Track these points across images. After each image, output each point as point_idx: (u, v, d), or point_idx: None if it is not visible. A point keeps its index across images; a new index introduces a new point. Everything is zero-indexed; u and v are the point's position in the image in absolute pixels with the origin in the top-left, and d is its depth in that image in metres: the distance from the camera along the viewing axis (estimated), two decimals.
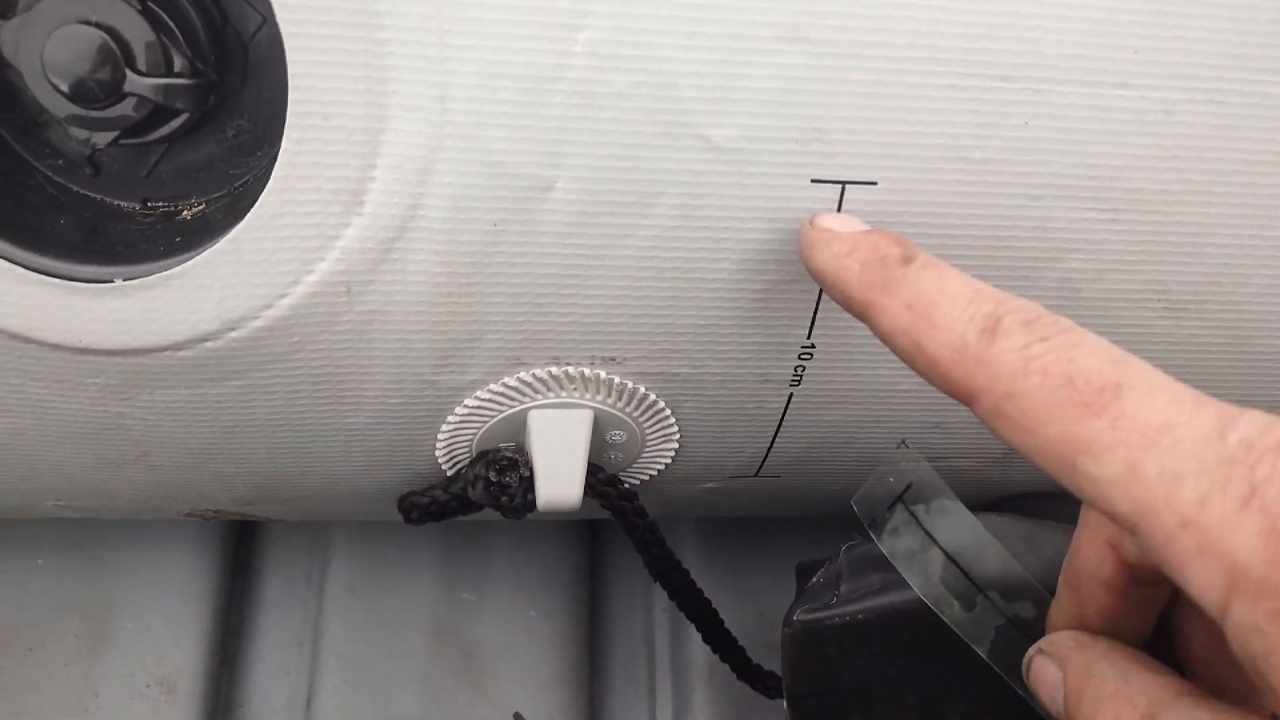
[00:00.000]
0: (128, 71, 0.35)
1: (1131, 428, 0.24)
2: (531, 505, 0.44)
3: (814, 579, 0.44)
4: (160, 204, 0.39)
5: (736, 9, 0.33)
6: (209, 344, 0.37)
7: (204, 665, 0.66)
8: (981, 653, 0.36)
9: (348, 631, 0.69)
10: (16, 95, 0.37)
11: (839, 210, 0.36)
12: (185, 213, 0.39)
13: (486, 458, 0.45)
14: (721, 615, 0.57)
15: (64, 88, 0.34)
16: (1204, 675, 0.31)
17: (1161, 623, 0.32)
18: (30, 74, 0.35)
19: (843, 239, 0.33)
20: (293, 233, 0.35)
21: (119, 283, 0.36)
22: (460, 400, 0.42)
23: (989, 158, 0.36)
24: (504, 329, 0.39)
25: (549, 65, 0.33)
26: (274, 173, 0.34)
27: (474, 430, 0.44)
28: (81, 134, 0.37)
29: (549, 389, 0.42)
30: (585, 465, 0.44)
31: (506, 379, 0.41)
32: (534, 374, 0.41)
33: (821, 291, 0.39)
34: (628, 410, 0.44)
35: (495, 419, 0.43)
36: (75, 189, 0.39)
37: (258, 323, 0.37)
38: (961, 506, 0.38)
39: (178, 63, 0.35)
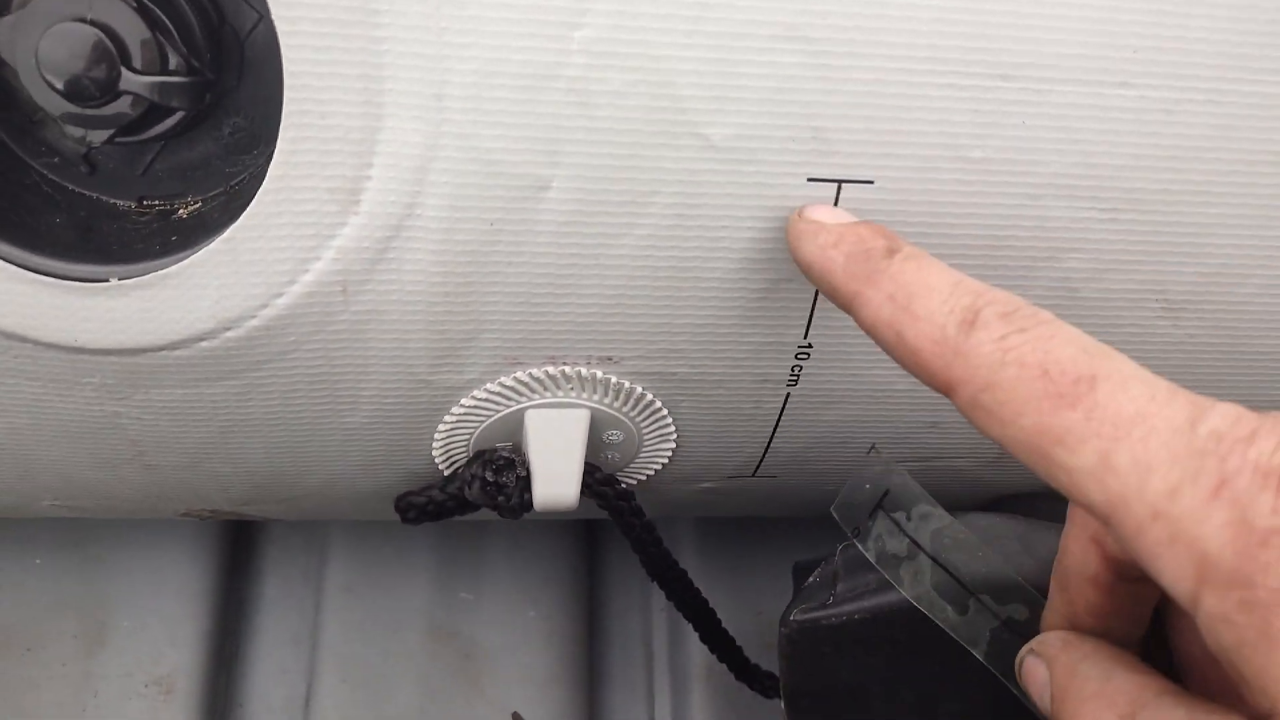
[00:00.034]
0: (123, 69, 0.34)
1: (1105, 419, 0.25)
2: (528, 505, 0.44)
3: (810, 578, 0.44)
4: (156, 202, 0.39)
5: (734, 7, 0.33)
6: (205, 343, 0.37)
7: (202, 665, 0.66)
8: (977, 655, 0.36)
9: (346, 631, 0.69)
10: (12, 93, 0.37)
11: None
12: (181, 211, 0.39)
13: (483, 457, 0.44)
14: (719, 614, 0.57)
15: (59, 85, 0.34)
16: (1198, 672, 0.31)
17: (1158, 620, 0.32)
18: (25, 72, 0.34)
19: (829, 230, 0.33)
20: (289, 232, 0.35)
21: (114, 282, 0.36)
22: (457, 400, 0.42)
23: (988, 157, 0.36)
24: (501, 328, 0.39)
25: (546, 64, 0.33)
26: (269, 172, 0.33)
27: (471, 430, 0.44)
28: (77, 132, 0.36)
29: (546, 388, 0.42)
30: (582, 465, 0.44)
31: (503, 378, 0.41)
32: (531, 373, 0.41)
33: (818, 290, 0.39)
34: (625, 410, 0.43)
35: (492, 418, 0.43)
36: (71, 187, 0.39)
37: (254, 322, 0.37)
38: (943, 511, 0.38)
39: (173, 60, 0.35)
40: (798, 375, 0.43)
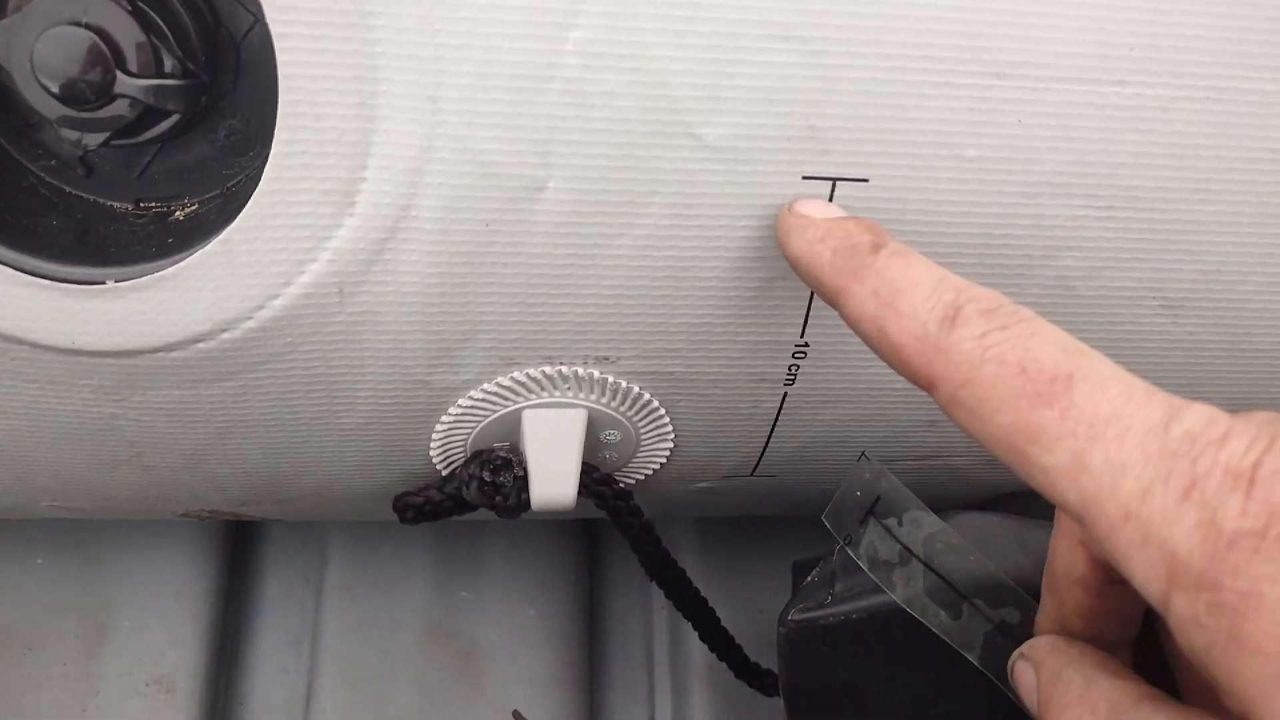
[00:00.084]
0: (118, 73, 0.34)
1: (1080, 418, 0.25)
2: (526, 505, 0.44)
3: (809, 578, 0.44)
4: (153, 205, 0.39)
5: (728, 7, 0.33)
6: (201, 345, 0.37)
7: (202, 664, 0.66)
8: (972, 659, 0.36)
9: (345, 631, 0.69)
10: (8, 96, 0.37)
11: None
12: (178, 213, 0.39)
13: (481, 457, 0.44)
14: (720, 613, 0.57)
15: (54, 89, 0.34)
16: (1187, 672, 0.31)
17: (1151, 621, 0.32)
18: (20, 75, 0.34)
19: (817, 225, 0.33)
20: (284, 234, 0.35)
21: (111, 284, 0.36)
22: (454, 400, 0.42)
23: (983, 155, 0.36)
24: (497, 329, 0.39)
25: (541, 65, 0.33)
26: (265, 174, 0.33)
27: (468, 430, 0.44)
28: (73, 135, 0.36)
29: (543, 389, 0.42)
30: (579, 465, 0.44)
31: (500, 379, 0.41)
32: (528, 374, 0.41)
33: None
34: (622, 410, 0.43)
35: (489, 419, 0.43)
36: (68, 190, 0.39)
37: (250, 324, 0.37)
38: (934, 517, 0.38)
39: (168, 63, 0.35)
40: (795, 374, 0.43)
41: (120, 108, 0.35)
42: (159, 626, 0.67)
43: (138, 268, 0.36)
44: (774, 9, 0.33)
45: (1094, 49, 0.35)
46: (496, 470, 0.44)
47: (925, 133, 0.35)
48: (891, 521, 0.38)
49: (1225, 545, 0.21)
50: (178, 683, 0.65)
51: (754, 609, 0.71)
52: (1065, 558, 0.31)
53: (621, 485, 0.47)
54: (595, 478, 0.46)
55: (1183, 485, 0.22)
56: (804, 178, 0.36)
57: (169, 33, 0.35)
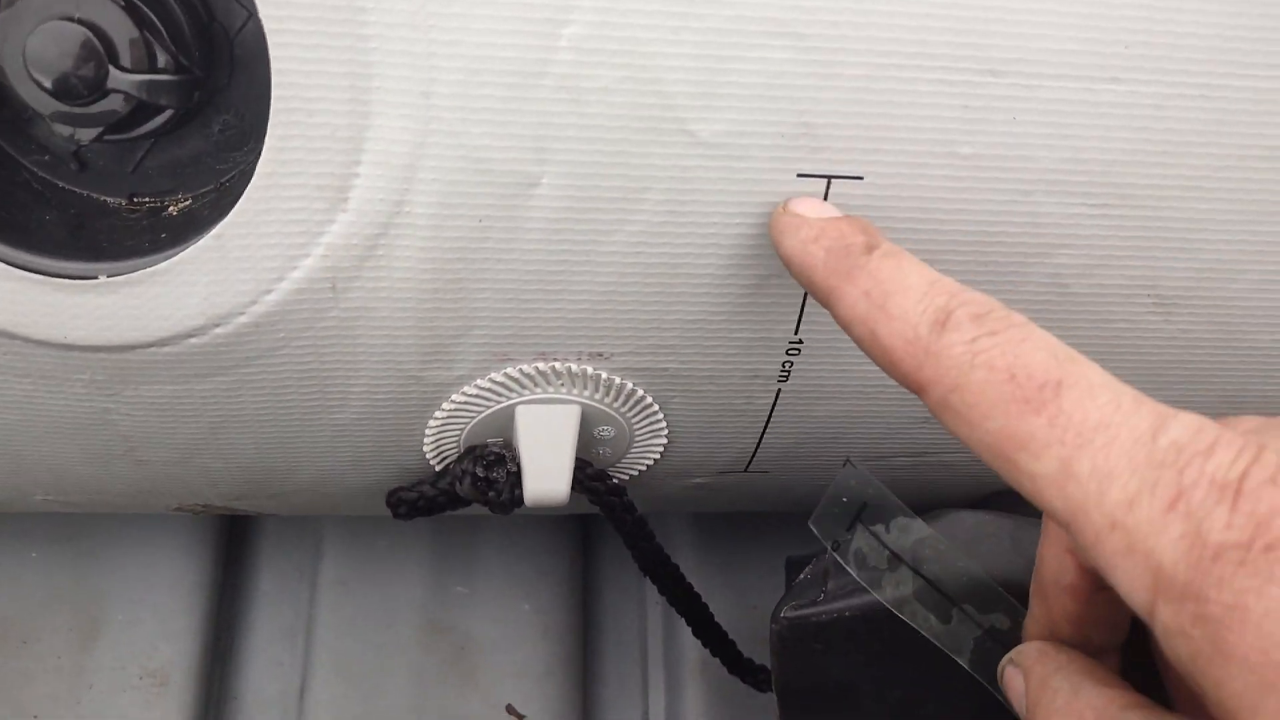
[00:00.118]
0: (111, 68, 0.34)
1: (1068, 426, 0.24)
2: (519, 500, 0.44)
3: (801, 575, 0.44)
4: (147, 200, 0.39)
5: (723, 3, 0.33)
6: (194, 340, 0.37)
7: (196, 658, 0.66)
8: (963, 663, 0.36)
9: (340, 624, 0.69)
10: (1, 91, 0.37)
11: None
12: (171, 208, 0.39)
13: (474, 453, 0.44)
14: (715, 608, 0.57)
15: (47, 84, 0.34)
16: (1178, 680, 0.31)
17: (1141, 626, 0.32)
18: (13, 70, 0.34)
19: (810, 225, 0.33)
20: (277, 229, 0.35)
21: (104, 279, 0.36)
22: (447, 396, 0.42)
23: (978, 153, 0.36)
24: (491, 324, 0.39)
25: (534, 60, 0.33)
26: (258, 169, 0.33)
27: (461, 425, 0.44)
28: (66, 130, 0.36)
29: (536, 384, 0.42)
30: (573, 460, 0.44)
31: (494, 374, 0.41)
32: (521, 369, 0.41)
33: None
34: (615, 406, 0.43)
35: (483, 414, 0.43)
36: (61, 185, 0.39)
37: (243, 319, 0.36)
38: (922, 523, 0.38)
39: (162, 59, 0.35)
40: (789, 371, 0.43)
41: (113, 103, 0.35)
42: (153, 620, 0.67)
43: (131, 262, 0.36)
44: (768, 5, 0.33)
45: (1088, 46, 0.35)
46: (490, 466, 0.44)
47: (920, 130, 0.35)
48: (879, 528, 0.38)
49: (1210, 557, 0.21)
50: (171, 676, 0.65)
51: (749, 605, 0.71)
52: (1053, 564, 0.31)
53: (615, 481, 0.47)
54: (589, 473, 0.46)
55: (1169, 496, 0.22)
56: (798, 175, 0.36)
57: (162, 28, 0.35)
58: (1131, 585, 0.23)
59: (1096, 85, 0.35)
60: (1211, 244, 0.39)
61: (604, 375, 0.42)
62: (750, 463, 0.49)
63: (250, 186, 0.34)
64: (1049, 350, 0.26)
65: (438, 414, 0.43)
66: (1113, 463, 0.23)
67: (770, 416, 0.45)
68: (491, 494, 0.44)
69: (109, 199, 0.39)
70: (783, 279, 0.39)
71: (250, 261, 0.35)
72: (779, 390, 0.44)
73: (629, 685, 0.72)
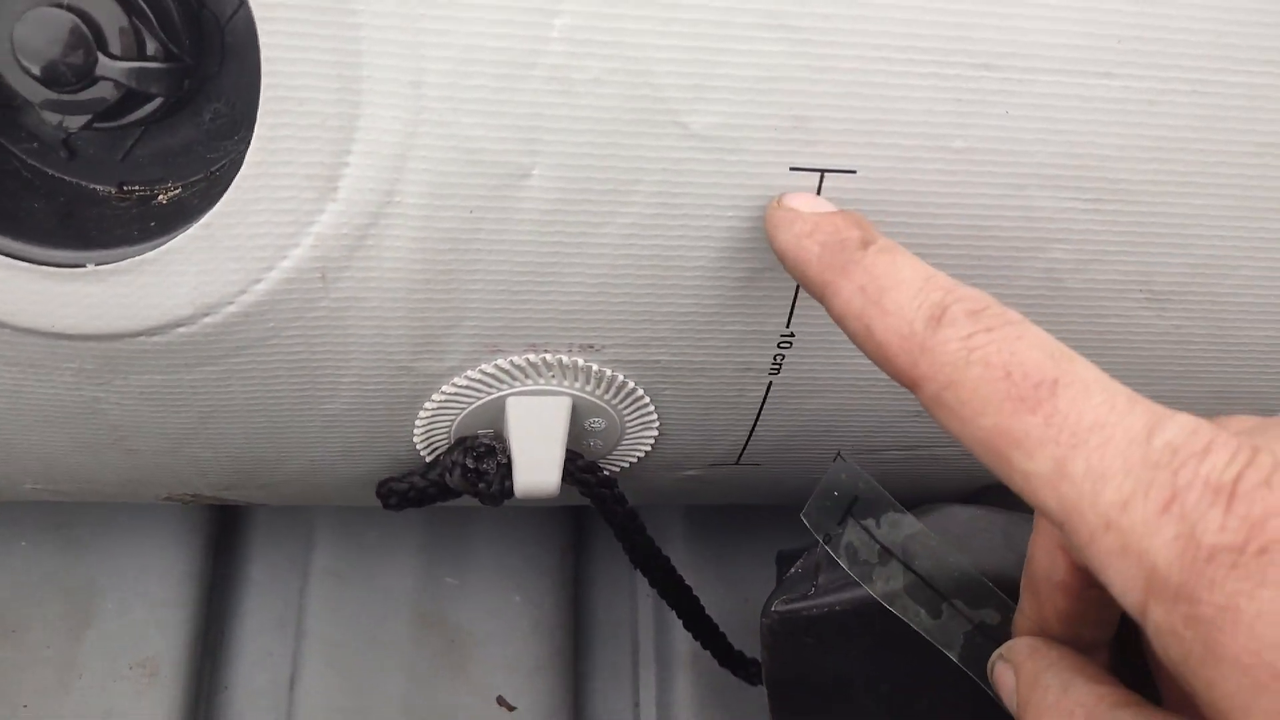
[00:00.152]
0: (100, 55, 0.34)
1: (1064, 425, 0.24)
2: (509, 492, 0.44)
3: (793, 569, 0.44)
4: (136, 188, 0.39)
5: None
6: (183, 329, 0.37)
7: (187, 648, 0.66)
8: (953, 657, 0.36)
9: (331, 615, 0.68)
10: None
11: None
12: (161, 197, 0.38)
13: (464, 444, 0.44)
14: (706, 601, 0.57)
15: (35, 71, 0.34)
16: (1169, 678, 0.31)
17: (1132, 623, 0.32)
18: (1, 57, 0.34)
19: (805, 219, 0.33)
20: (267, 218, 0.34)
21: (92, 267, 0.36)
22: (438, 387, 0.42)
23: (971, 147, 0.36)
24: (482, 315, 0.39)
25: (525, 51, 0.33)
26: (247, 158, 0.33)
27: (452, 417, 0.44)
28: (55, 118, 0.36)
29: (527, 376, 0.42)
30: (563, 452, 0.44)
31: (484, 365, 0.41)
32: (512, 361, 0.41)
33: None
34: (606, 398, 0.43)
35: (473, 405, 0.43)
36: (50, 173, 0.39)
37: (232, 308, 0.36)
38: (912, 518, 0.38)
39: (151, 46, 0.35)
40: (780, 364, 0.43)
41: (103, 90, 0.35)
42: (144, 610, 0.66)
43: (119, 251, 0.36)
44: None
45: (1081, 40, 0.35)
46: (480, 457, 0.44)
47: (913, 124, 0.35)
48: (870, 522, 0.38)
49: (1204, 559, 0.21)
50: (162, 666, 0.65)
51: (741, 597, 0.71)
52: (1044, 562, 0.31)
53: (606, 473, 0.47)
54: (579, 465, 0.46)
55: (1163, 497, 0.22)
56: (791, 168, 0.36)
57: (152, 15, 0.35)
58: (1124, 586, 0.23)
59: (1090, 80, 0.35)
60: (1204, 239, 0.39)
61: (595, 367, 0.42)
62: (741, 455, 0.49)
63: (240, 175, 0.34)
64: (1045, 348, 0.26)
65: (428, 405, 0.43)
66: (1107, 463, 0.23)
67: (761, 409, 0.45)
68: (482, 485, 0.44)
69: (98, 187, 0.39)
70: (774, 272, 0.39)
71: (240, 251, 0.35)
72: (770, 383, 0.44)
73: (620, 677, 0.72)
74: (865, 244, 0.31)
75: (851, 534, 0.38)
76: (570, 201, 0.36)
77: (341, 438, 0.45)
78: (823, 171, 0.36)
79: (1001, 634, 0.35)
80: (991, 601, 0.36)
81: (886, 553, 0.37)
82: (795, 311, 0.40)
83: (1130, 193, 0.38)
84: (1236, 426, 0.26)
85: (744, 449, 0.49)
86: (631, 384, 0.43)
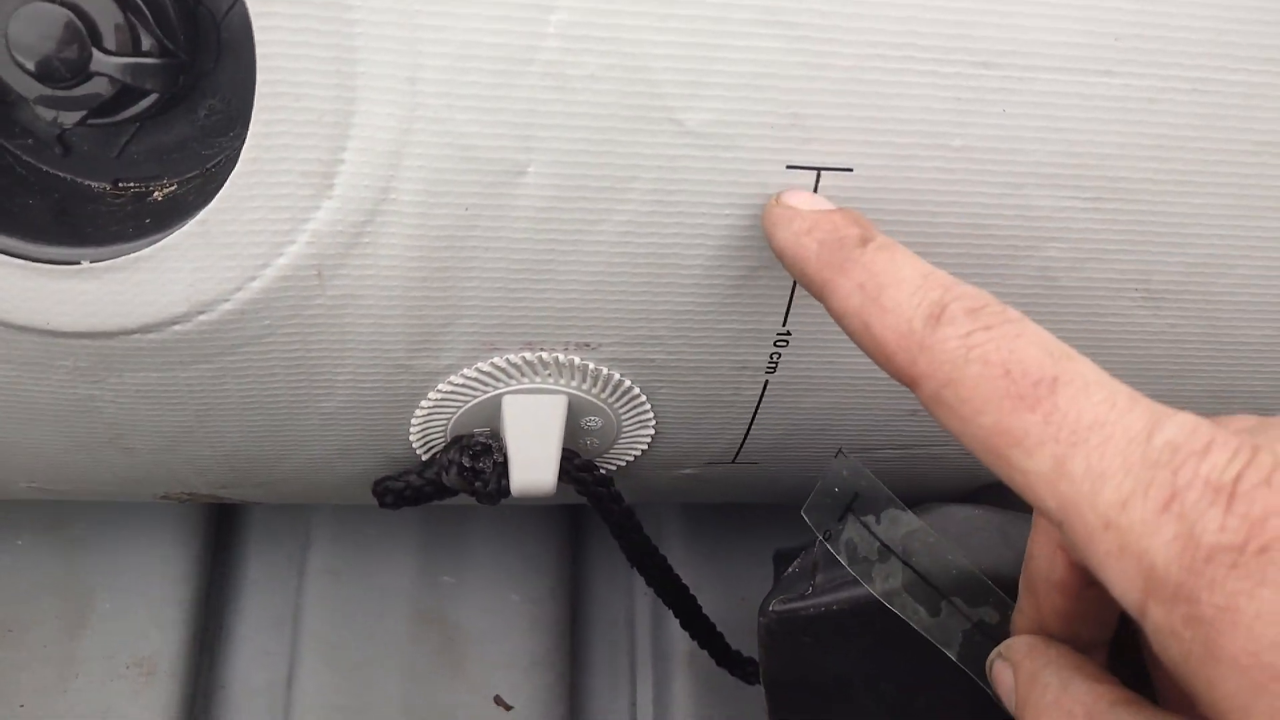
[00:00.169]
0: (95, 50, 0.34)
1: (1063, 424, 0.24)
2: (505, 491, 0.44)
3: (790, 568, 0.44)
4: (131, 185, 0.39)
5: None
6: (178, 327, 0.37)
7: (184, 646, 0.66)
8: (951, 655, 0.36)
9: (328, 614, 0.68)
10: None
11: None
12: (156, 194, 0.38)
13: (461, 443, 0.44)
14: (704, 600, 0.57)
15: (30, 66, 0.34)
16: (1167, 678, 0.31)
17: (1130, 622, 0.32)
18: None
19: (803, 217, 0.33)
20: (263, 215, 0.34)
21: (87, 264, 0.36)
22: (434, 385, 0.42)
23: (969, 145, 0.36)
24: (478, 313, 0.39)
25: (520, 47, 0.33)
26: (243, 154, 0.33)
27: (448, 415, 0.44)
28: (49, 114, 0.36)
29: (523, 374, 0.42)
30: (559, 451, 0.43)
31: (481, 364, 0.41)
32: (508, 359, 0.41)
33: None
34: (603, 396, 0.43)
35: (470, 404, 0.43)
36: (45, 169, 0.38)
37: (227, 306, 0.36)
38: (912, 515, 0.38)
39: (146, 42, 0.35)
40: (776, 362, 0.42)
41: (97, 86, 0.35)
42: (141, 608, 0.66)
43: (114, 248, 0.36)
44: None
45: (1081, 39, 0.35)
46: (476, 456, 0.44)
47: (911, 122, 0.35)
48: (870, 519, 0.38)
49: (1203, 559, 0.21)
50: (159, 664, 0.65)
51: (737, 596, 0.71)
52: (1043, 561, 0.31)
53: (602, 471, 0.47)
54: (576, 464, 0.46)
55: (1163, 497, 0.22)
56: (788, 166, 0.35)
57: (147, 11, 0.34)
58: (1124, 585, 0.23)
59: (1089, 78, 0.35)
60: (1202, 238, 0.39)
61: (591, 366, 0.42)
62: (738, 454, 0.49)
63: (235, 172, 0.34)
64: (1044, 346, 0.26)
65: (424, 403, 0.43)
66: (1107, 462, 0.23)
67: (758, 408, 0.45)
68: (478, 484, 0.44)
69: (93, 184, 0.39)
70: (771, 270, 0.38)
71: (235, 248, 0.35)
72: (766, 382, 0.44)
73: (617, 676, 0.72)
74: (864, 241, 0.31)
75: (851, 530, 0.38)
76: (566, 199, 0.36)
77: (338, 436, 0.44)
78: (819, 169, 0.36)
79: (1000, 632, 0.35)
80: (990, 600, 0.36)
81: (886, 550, 0.37)
82: (792, 310, 0.40)
83: (1129, 191, 0.38)
84: (1236, 425, 0.26)
85: (740, 447, 0.49)
86: (628, 382, 0.43)
